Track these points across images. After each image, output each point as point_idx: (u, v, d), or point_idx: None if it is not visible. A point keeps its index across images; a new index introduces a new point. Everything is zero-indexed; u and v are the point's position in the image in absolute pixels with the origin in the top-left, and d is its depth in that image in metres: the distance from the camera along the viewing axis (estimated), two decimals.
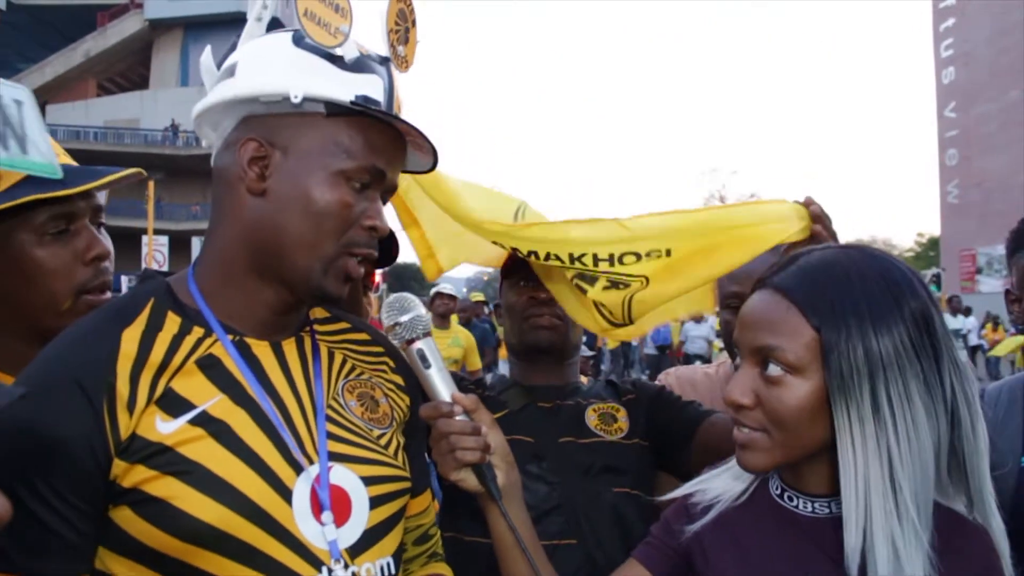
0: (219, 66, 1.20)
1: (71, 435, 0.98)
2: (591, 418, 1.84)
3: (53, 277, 1.31)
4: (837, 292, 1.05)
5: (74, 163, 1.38)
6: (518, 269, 1.91)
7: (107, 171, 1.37)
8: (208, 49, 1.22)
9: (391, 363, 1.35)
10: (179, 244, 23.81)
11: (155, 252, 16.92)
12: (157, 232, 18.19)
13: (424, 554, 1.36)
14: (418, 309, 1.24)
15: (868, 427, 1.02)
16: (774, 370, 1.07)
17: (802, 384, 1.05)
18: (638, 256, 1.58)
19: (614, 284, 1.65)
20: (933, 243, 43.62)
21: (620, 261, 1.59)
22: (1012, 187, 31.05)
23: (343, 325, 1.34)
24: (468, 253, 1.98)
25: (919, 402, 1.02)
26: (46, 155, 1.24)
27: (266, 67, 1.13)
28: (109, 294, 1.38)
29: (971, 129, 34.44)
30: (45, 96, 43.54)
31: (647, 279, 1.61)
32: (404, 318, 1.23)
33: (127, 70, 46.37)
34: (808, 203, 1.51)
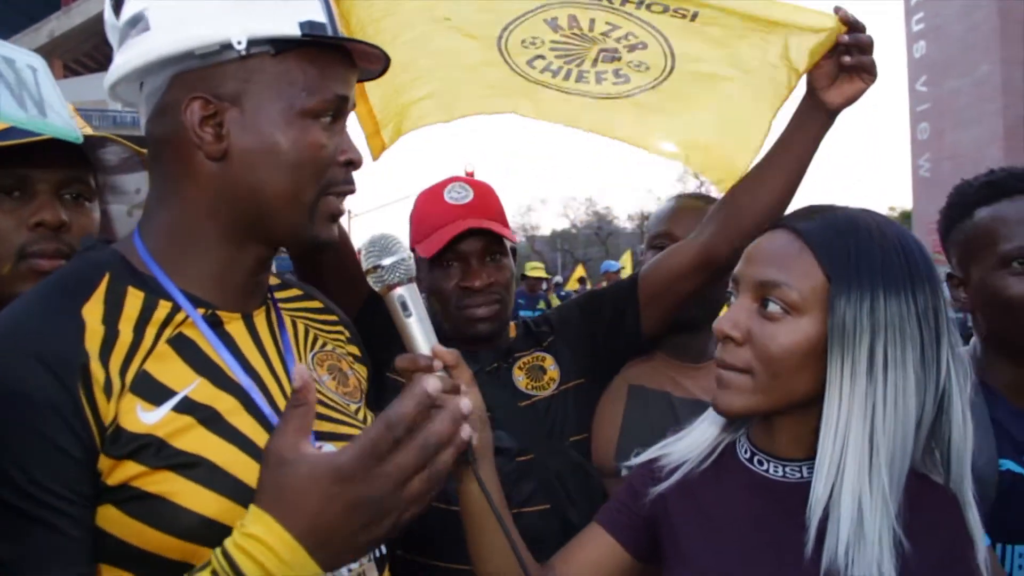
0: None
1: (43, 418, 0.86)
2: (519, 378, 1.78)
3: None
4: (855, 246, 1.04)
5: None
6: (446, 248, 1.77)
7: (57, 129, 1.33)
8: (107, 3, 1.08)
9: (346, 333, 1.29)
10: None
11: None
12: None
13: None
14: (402, 252, 1.13)
15: (859, 383, 1.01)
16: (773, 307, 1.05)
17: (800, 326, 1.04)
18: (665, 7, 1.58)
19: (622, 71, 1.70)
20: (905, 217, 43.96)
21: (647, 6, 1.59)
22: (983, 161, 31.15)
23: (296, 292, 1.26)
24: (414, 119, 1.89)
25: (912, 373, 1.02)
26: (67, 121, 1.24)
27: (190, 14, 0.99)
28: (63, 262, 1.32)
29: (942, 103, 34.64)
30: None
31: (670, 46, 1.64)
32: (386, 261, 1.11)
33: (93, 50, 45.36)
34: (844, 18, 1.52)
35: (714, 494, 1.16)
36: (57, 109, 1.23)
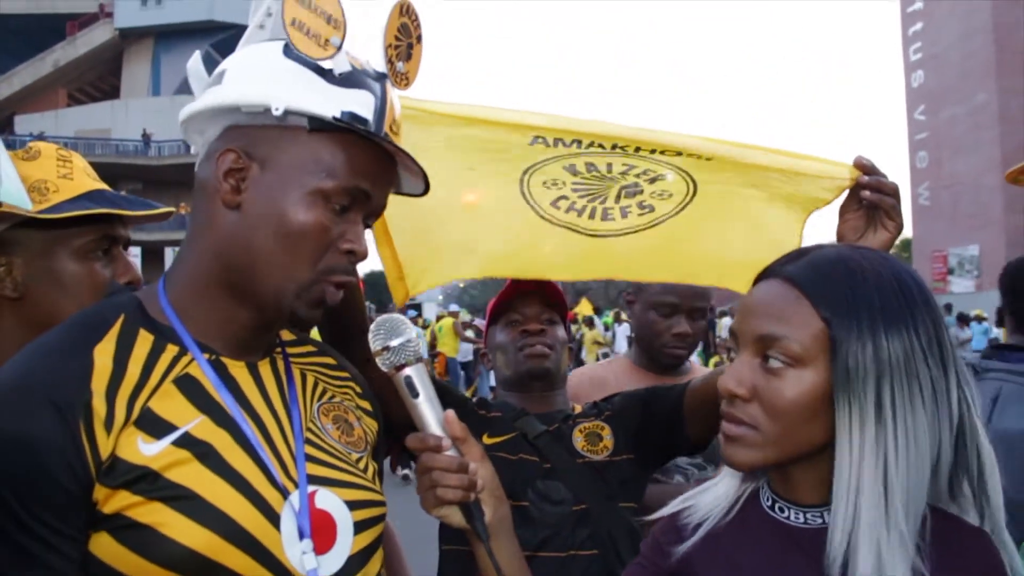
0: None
1: (48, 457, 0.92)
2: (577, 439, 1.88)
3: (90, 293, 1.41)
4: (850, 287, 1.01)
5: (106, 187, 1.52)
6: (504, 311, 2.00)
7: (153, 204, 1.57)
8: (197, 54, 1.19)
9: (357, 388, 1.32)
10: (152, 255, 23.56)
11: None
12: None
13: None
14: (409, 333, 1.16)
15: (868, 429, 0.98)
16: (775, 362, 1.02)
17: (804, 378, 1.01)
18: (679, 153, 1.63)
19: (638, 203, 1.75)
20: (905, 244, 44.15)
21: (661, 152, 1.63)
22: (981, 188, 31.52)
23: (310, 348, 1.30)
24: (443, 272, 1.93)
25: (922, 411, 0.98)
26: (17, 187, 1.31)
27: (252, 76, 1.09)
28: None
29: (941, 132, 34.96)
30: (13, 107, 42.98)
31: (693, 184, 1.68)
32: (394, 342, 1.15)
33: (97, 79, 45.98)
34: (858, 163, 1.54)
35: (739, 544, 1.13)
36: (9, 175, 1.30)
